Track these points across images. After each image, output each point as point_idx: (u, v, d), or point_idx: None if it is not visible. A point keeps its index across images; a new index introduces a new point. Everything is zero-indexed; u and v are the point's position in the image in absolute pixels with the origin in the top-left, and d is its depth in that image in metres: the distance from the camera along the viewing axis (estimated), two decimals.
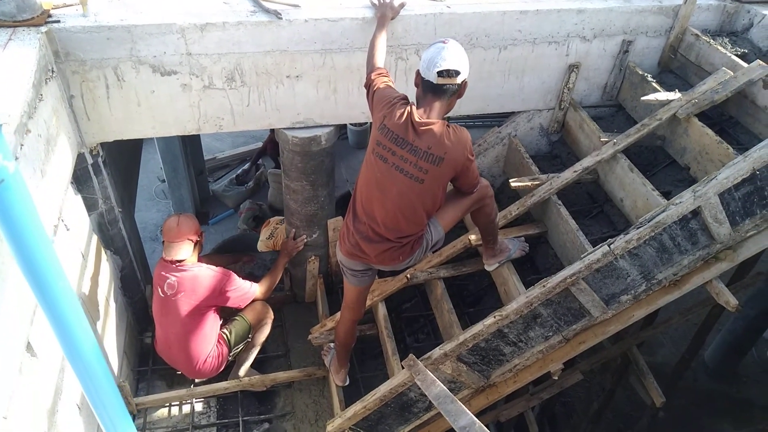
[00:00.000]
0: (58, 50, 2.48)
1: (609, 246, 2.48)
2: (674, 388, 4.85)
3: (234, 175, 6.07)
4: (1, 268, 1.75)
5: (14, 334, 1.84)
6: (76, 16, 2.49)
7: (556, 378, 2.96)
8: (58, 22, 2.45)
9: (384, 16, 2.72)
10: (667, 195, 2.90)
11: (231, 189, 5.92)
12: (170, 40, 2.58)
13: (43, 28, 2.40)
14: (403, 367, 2.77)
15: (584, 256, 2.56)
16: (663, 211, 2.39)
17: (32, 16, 2.42)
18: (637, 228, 2.43)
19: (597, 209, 3.28)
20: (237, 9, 2.68)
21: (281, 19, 2.66)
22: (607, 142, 3.10)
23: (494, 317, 2.67)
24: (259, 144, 6.35)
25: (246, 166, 6.15)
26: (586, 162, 3.10)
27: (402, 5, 2.81)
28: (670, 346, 6.23)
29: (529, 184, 3.18)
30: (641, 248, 2.47)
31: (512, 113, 3.58)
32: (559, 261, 3.16)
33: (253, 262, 4.30)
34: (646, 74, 3.28)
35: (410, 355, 2.75)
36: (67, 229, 2.68)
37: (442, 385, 2.44)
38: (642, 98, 3.14)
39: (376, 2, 2.79)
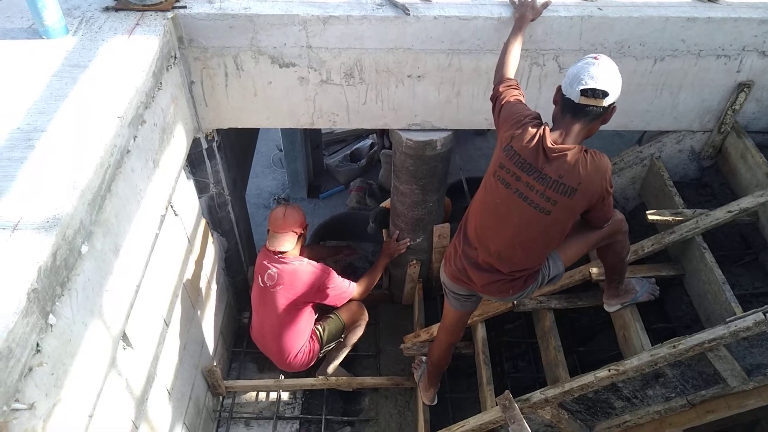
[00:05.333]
0: (183, 36, 2.44)
1: (765, 315, 2.07)
2: None
3: (348, 152, 5.99)
4: (102, 268, 1.75)
5: (110, 328, 1.83)
6: (202, 3, 2.44)
7: None
8: (185, 7, 2.40)
9: (523, 17, 2.40)
10: None
11: (344, 165, 5.85)
12: (291, 31, 2.46)
13: (170, 14, 2.36)
14: (497, 403, 2.56)
15: (731, 321, 2.17)
16: None
17: (161, 1, 2.39)
18: None
19: (750, 256, 2.78)
20: (362, 1, 2.50)
21: (409, 14, 2.45)
22: None
23: (609, 371, 2.36)
24: None
25: (369, 142, 5.99)
26: (745, 203, 2.61)
27: (545, 5, 2.46)
28: None
29: (670, 219, 2.75)
30: None
31: (658, 132, 3.13)
32: (694, 311, 2.73)
33: (354, 254, 4.21)
34: None
35: (506, 392, 2.51)
36: (176, 215, 2.69)
37: None
38: None
39: (516, 0, 2.48)
